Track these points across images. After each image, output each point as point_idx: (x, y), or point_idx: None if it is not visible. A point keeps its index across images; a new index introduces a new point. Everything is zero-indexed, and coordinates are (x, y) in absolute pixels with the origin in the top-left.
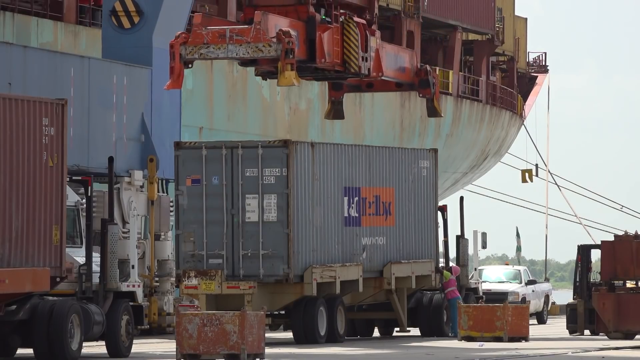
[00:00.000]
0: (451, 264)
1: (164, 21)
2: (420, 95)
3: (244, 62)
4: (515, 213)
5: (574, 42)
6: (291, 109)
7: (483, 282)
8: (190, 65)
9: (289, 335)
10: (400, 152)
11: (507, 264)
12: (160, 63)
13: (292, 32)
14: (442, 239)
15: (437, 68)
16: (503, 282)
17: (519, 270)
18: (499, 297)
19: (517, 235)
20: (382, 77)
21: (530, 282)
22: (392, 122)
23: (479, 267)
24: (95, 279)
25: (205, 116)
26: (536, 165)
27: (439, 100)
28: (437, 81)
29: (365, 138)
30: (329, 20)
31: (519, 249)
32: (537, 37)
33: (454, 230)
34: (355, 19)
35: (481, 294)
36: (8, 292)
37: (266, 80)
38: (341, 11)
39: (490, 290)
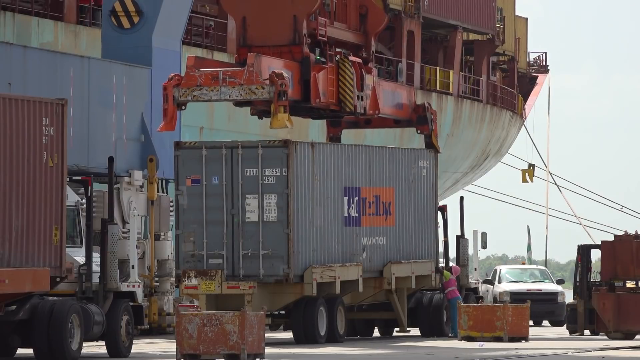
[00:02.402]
0: (451, 264)
1: (164, 21)
2: (419, 132)
3: (238, 103)
4: (515, 213)
5: (575, 42)
6: None
7: (513, 282)
8: (183, 107)
9: (289, 335)
10: (400, 152)
11: (523, 264)
12: (160, 63)
13: (285, 74)
14: (442, 239)
15: (438, 68)
16: (535, 282)
17: (545, 270)
18: (549, 297)
19: (528, 234)
20: (379, 115)
21: (559, 282)
22: None
23: (497, 267)
24: (95, 279)
25: (206, 116)
26: (532, 165)
27: (437, 137)
28: (435, 117)
29: (366, 138)
30: (324, 60)
31: (529, 247)
32: (537, 37)
33: (454, 230)
34: (351, 57)
35: (502, 294)
36: (8, 292)
37: (262, 119)
38: (337, 50)
39: (541, 290)
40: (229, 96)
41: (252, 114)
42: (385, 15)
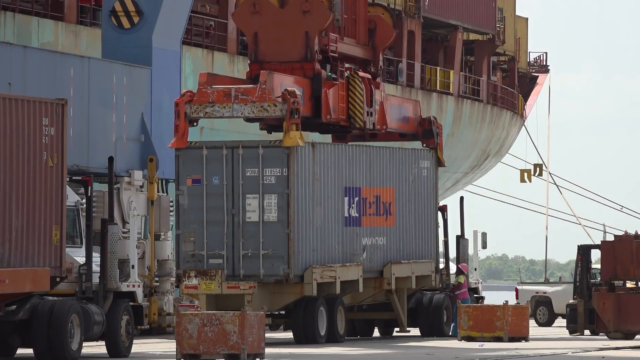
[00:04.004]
0: (451, 264)
1: (164, 21)
2: (424, 145)
3: (249, 118)
4: (515, 213)
5: (575, 42)
6: None
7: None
8: (195, 124)
9: (289, 335)
10: (401, 152)
11: None
12: (160, 63)
13: (298, 92)
14: (442, 239)
15: (438, 68)
16: None
17: None
18: None
19: (604, 232)
20: (387, 130)
21: None
22: None
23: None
24: (95, 279)
25: None
26: (539, 166)
27: (442, 150)
28: (440, 131)
29: None
30: (335, 77)
31: None
32: (537, 37)
33: (454, 230)
34: (361, 73)
35: None
36: (8, 292)
37: (271, 133)
38: (347, 65)
39: None
40: (241, 113)
41: (261, 129)
42: (394, 30)
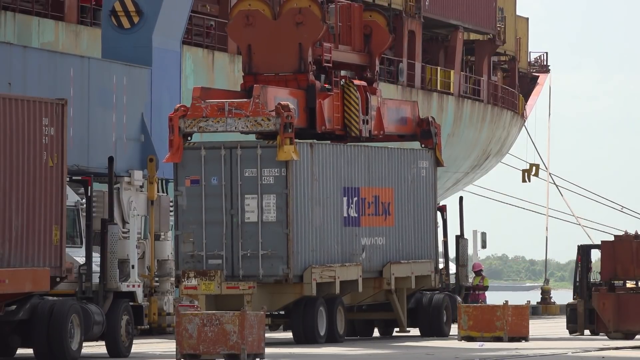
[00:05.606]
0: (451, 264)
1: (164, 21)
2: (423, 146)
3: (244, 132)
4: (515, 213)
5: (575, 42)
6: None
7: None
8: (189, 138)
9: (289, 335)
10: (400, 152)
11: None
12: (160, 63)
13: (291, 105)
14: (442, 239)
15: (439, 68)
16: None
17: None
18: None
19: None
20: (384, 134)
21: None
22: None
23: None
24: (95, 279)
25: None
26: (535, 165)
27: (440, 150)
28: (438, 131)
29: None
30: (329, 87)
31: None
32: (538, 37)
33: (453, 230)
34: (356, 81)
35: None
36: (8, 292)
37: (267, 141)
38: (341, 74)
39: None
40: (235, 127)
41: (257, 138)
42: (390, 35)
